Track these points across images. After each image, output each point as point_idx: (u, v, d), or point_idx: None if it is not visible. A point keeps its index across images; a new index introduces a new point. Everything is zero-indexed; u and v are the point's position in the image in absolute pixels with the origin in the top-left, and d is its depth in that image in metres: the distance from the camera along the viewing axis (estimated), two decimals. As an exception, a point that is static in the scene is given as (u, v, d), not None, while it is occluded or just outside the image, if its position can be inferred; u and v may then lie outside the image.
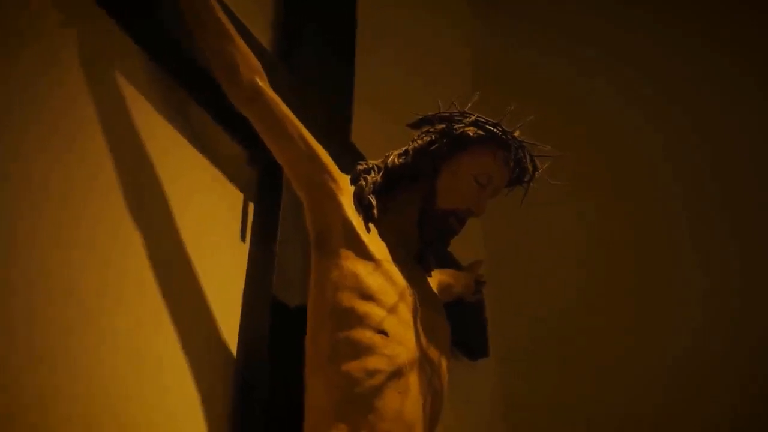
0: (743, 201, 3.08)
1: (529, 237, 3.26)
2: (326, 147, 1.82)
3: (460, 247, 2.50)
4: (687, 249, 3.09)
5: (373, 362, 1.61)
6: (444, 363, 1.79)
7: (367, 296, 1.66)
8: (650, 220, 3.19)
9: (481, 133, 1.83)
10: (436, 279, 2.01)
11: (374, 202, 1.80)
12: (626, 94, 3.46)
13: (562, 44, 3.61)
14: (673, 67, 3.40)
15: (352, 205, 1.77)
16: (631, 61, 3.50)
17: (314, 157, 1.75)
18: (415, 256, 1.90)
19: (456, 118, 1.85)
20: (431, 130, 1.87)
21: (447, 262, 2.36)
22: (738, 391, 2.77)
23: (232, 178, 1.98)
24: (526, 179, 1.89)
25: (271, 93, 1.75)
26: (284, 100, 1.78)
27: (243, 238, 1.95)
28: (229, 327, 1.84)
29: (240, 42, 1.74)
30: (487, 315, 2.81)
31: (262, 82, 1.74)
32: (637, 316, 2.98)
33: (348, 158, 1.98)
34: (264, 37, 2.20)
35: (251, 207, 2.00)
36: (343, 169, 1.83)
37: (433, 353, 1.75)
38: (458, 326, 2.42)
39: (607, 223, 3.20)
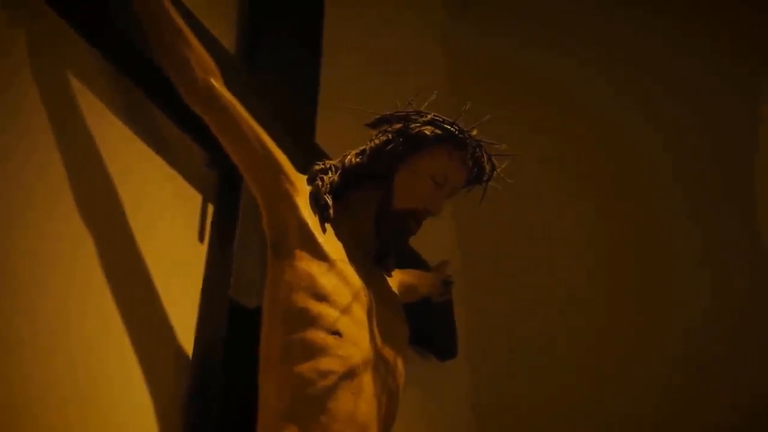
0: (745, 200, 3.03)
1: (503, 235, 3.22)
2: (290, 148, 1.81)
3: (432, 246, 2.49)
4: (685, 246, 3.04)
5: (325, 363, 1.60)
6: (400, 363, 1.78)
7: (321, 297, 1.65)
8: (643, 216, 3.15)
9: (438, 132, 1.81)
10: (397, 279, 2.00)
11: (330, 203, 1.79)
12: (623, 91, 3.41)
13: (548, 39, 3.57)
14: (673, 64, 3.35)
15: (309, 205, 1.76)
16: (626, 55, 3.46)
17: (270, 157, 1.74)
18: (374, 256, 1.88)
19: (413, 117, 1.84)
20: (388, 129, 1.85)
21: (414, 262, 2.34)
22: (738, 392, 2.73)
23: (191, 179, 1.98)
24: (484, 178, 1.87)
25: (226, 94, 1.74)
26: (247, 101, 1.77)
27: (201, 239, 1.95)
28: (186, 328, 1.84)
29: (194, 42, 1.73)
30: (459, 315, 2.78)
31: (217, 83, 1.73)
32: (619, 314, 2.94)
33: (313, 159, 1.97)
34: (227, 38, 2.20)
35: (210, 208, 2.00)
36: (306, 171, 1.83)
37: (389, 353, 1.74)
38: (427, 327, 2.41)
39: (589, 220, 3.17)
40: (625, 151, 3.34)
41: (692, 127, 3.24)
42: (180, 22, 1.73)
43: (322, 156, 2.15)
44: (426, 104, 1.86)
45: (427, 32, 3.64)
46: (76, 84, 1.75)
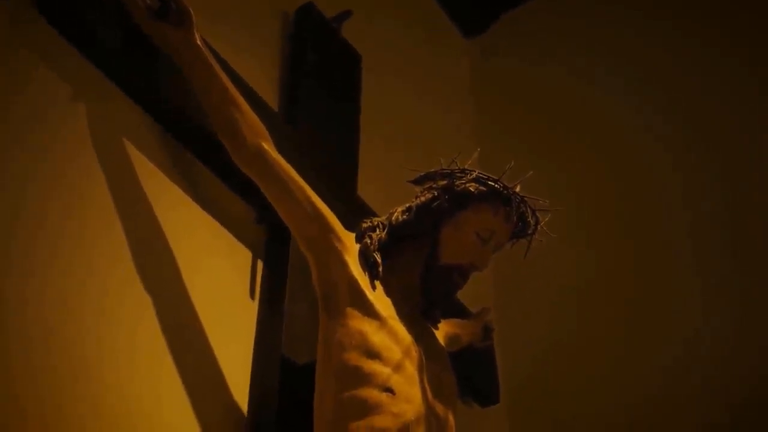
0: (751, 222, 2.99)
1: (536, 280, 3.18)
2: (332, 201, 1.85)
3: (469, 290, 2.52)
4: (694, 284, 3.01)
5: (379, 421, 1.63)
6: (450, 417, 1.80)
7: (373, 354, 1.68)
8: (655, 258, 3.11)
9: (483, 189, 1.85)
10: (442, 331, 2.03)
11: (379, 260, 1.82)
12: (638, 112, 3.38)
13: (576, 78, 3.56)
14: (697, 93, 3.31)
15: (358, 263, 1.80)
16: (640, 69, 3.44)
17: (319, 217, 1.78)
18: (421, 310, 1.92)
19: (457, 174, 1.88)
20: (433, 186, 1.89)
21: (455, 309, 2.37)
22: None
23: (241, 237, 2.03)
24: (529, 232, 1.91)
25: (275, 155, 1.78)
26: (288, 155, 1.82)
27: (252, 296, 1.99)
28: (240, 385, 1.87)
29: (244, 105, 1.79)
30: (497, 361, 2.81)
31: (267, 145, 1.78)
32: (649, 356, 2.92)
33: (354, 211, 2.02)
34: (269, 96, 2.25)
35: (260, 265, 2.04)
36: (350, 224, 1.87)
37: (440, 408, 1.77)
38: (468, 373, 2.44)
39: (612, 261, 3.14)
40: (634, 191, 3.28)
41: (697, 144, 3.17)
42: (229, 84, 1.79)
43: (364, 207, 2.19)
44: (470, 162, 1.90)
45: (456, 84, 3.69)
46: (130, 148, 1.81)
